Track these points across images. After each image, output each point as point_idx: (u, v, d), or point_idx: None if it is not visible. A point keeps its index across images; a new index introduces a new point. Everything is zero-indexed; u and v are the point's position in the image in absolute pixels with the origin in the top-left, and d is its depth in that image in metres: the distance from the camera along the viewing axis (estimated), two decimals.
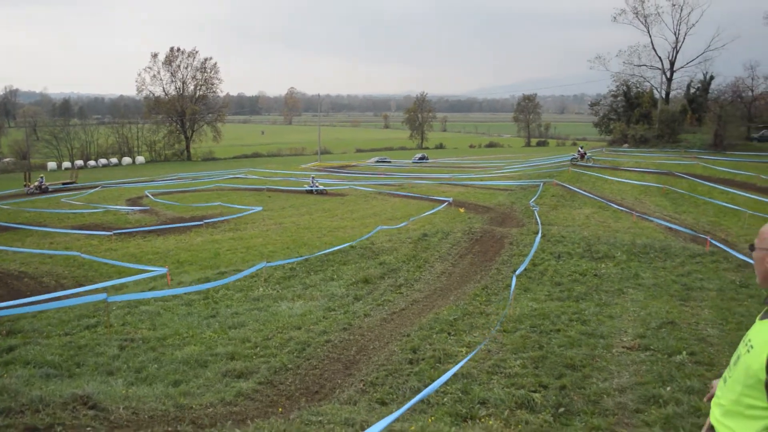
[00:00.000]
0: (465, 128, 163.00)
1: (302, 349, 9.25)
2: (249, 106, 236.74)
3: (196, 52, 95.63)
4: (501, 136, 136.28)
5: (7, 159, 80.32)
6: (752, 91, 61.97)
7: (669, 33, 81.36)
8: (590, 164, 43.84)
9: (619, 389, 7.16)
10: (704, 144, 57.04)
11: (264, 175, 53.70)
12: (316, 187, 40.36)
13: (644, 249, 17.30)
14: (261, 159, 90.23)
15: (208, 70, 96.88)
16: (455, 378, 7.27)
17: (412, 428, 5.64)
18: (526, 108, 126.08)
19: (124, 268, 17.72)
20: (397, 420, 5.19)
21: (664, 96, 68.99)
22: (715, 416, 2.64)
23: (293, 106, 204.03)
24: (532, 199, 28.33)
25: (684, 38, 67.46)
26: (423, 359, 8.49)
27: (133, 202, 37.42)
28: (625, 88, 71.28)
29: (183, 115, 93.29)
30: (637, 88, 71.06)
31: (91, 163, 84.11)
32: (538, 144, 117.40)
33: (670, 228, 22.12)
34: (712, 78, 67.02)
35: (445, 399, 6.94)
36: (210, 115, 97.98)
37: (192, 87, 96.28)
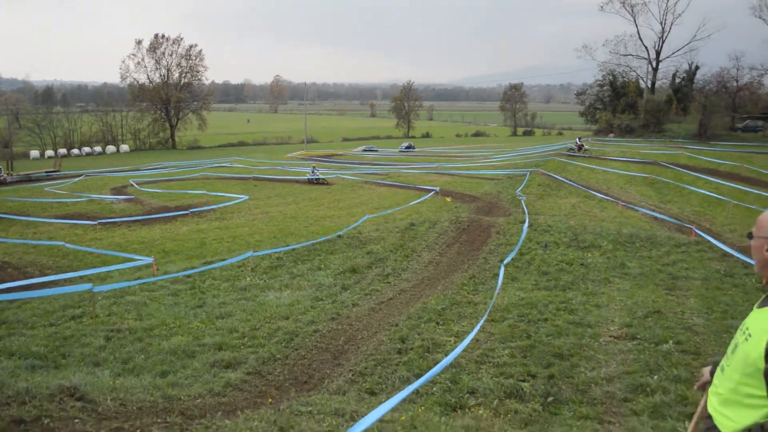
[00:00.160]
0: (451, 117, 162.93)
1: (290, 339, 9.22)
2: (234, 94, 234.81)
3: (181, 39, 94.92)
4: (487, 126, 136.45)
5: None
6: (737, 81, 62.34)
7: (655, 23, 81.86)
8: (588, 155, 43.70)
9: (607, 378, 7.22)
10: (689, 134, 57.41)
11: (250, 164, 53.43)
12: (317, 176, 40.13)
13: (630, 238, 17.40)
14: (247, 148, 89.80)
15: (193, 58, 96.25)
16: (444, 368, 7.28)
17: (402, 418, 5.65)
18: (513, 97, 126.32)
19: (110, 257, 17.56)
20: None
21: (649, 86, 69.28)
22: (713, 405, 2.64)
23: (279, 95, 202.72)
24: (519, 189, 28.39)
25: (670, 28, 67.76)
26: (412, 349, 8.50)
27: (117, 191, 37.08)
28: (611, 77, 71.48)
29: (168, 103, 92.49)
30: (623, 77, 71.28)
31: (75, 151, 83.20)
32: (525, 133, 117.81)
33: (656, 217, 22.28)
34: (697, 68, 67.43)
35: (434, 389, 6.96)
36: (195, 103, 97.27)
37: (177, 74, 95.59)
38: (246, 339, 9.24)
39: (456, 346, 7.89)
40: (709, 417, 2.66)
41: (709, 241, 16.93)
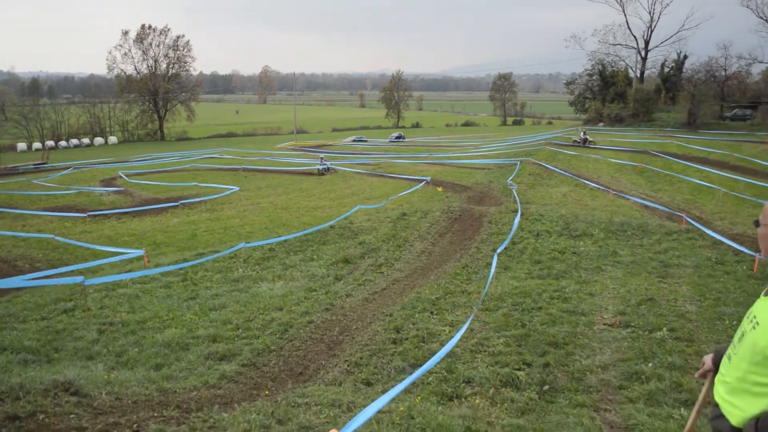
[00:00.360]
0: (441, 107, 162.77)
1: (285, 331, 9.19)
2: (223, 85, 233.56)
3: (168, 29, 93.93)
4: (477, 115, 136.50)
5: None
6: (725, 70, 62.58)
7: (644, 12, 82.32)
8: (594, 146, 43.25)
9: (602, 366, 7.24)
10: (678, 123, 57.62)
11: (240, 155, 53.18)
12: (326, 166, 39.88)
13: (621, 227, 17.48)
14: (236, 139, 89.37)
15: (181, 48, 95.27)
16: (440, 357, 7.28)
17: (401, 408, 5.64)
18: (502, 87, 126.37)
19: (100, 250, 17.43)
20: None
21: (638, 75, 69.40)
22: (720, 394, 2.63)
23: (268, 85, 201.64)
24: (510, 178, 28.41)
25: (659, 17, 67.75)
26: (406, 339, 8.48)
27: (106, 183, 36.80)
28: (600, 67, 71.52)
29: (156, 94, 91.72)
30: (612, 67, 71.33)
31: (63, 143, 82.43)
32: (514, 123, 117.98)
33: (647, 206, 22.36)
34: (685, 57, 67.62)
35: (430, 378, 6.95)
36: (183, 94, 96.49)
37: (164, 65, 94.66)
38: (240, 331, 9.20)
39: (451, 336, 7.89)
40: (716, 405, 2.65)
41: (699, 229, 17.03)
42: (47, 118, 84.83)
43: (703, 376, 3.02)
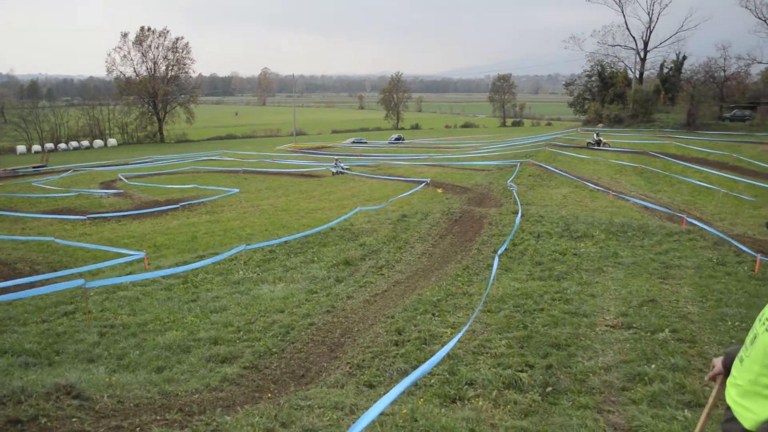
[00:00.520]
0: (440, 108, 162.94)
1: (286, 333, 9.16)
2: (222, 87, 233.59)
3: (167, 31, 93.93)
4: (476, 117, 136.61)
5: None
6: (724, 71, 62.62)
7: (643, 13, 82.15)
8: (607, 149, 42.63)
9: (605, 367, 7.23)
10: (677, 123, 57.65)
11: (239, 157, 53.16)
12: (340, 168, 39.59)
13: (622, 228, 17.46)
14: (235, 141, 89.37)
15: (180, 50, 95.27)
16: (442, 359, 7.26)
17: (404, 411, 5.62)
18: (501, 88, 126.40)
19: (100, 252, 17.41)
20: None
21: (637, 76, 69.46)
22: (732, 397, 2.61)
23: (267, 87, 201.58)
24: (510, 179, 28.40)
25: (657, 18, 67.86)
26: (408, 341, 8.47)
27: (106, 185, 36.76)
28: (599, 68, 71.58)
29: (155, 97, 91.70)
30: (611, 68, 71.40)
31: (62, 146, 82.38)
32: (513, 124, 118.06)
33: (647, 207, 22.36)
34: (684, 58, 67.67)
35: (433, 380, 6.93)
36: (183, 96, 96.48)
37: (163, 67, 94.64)
38: (241, 333, 9.18)
39: (453, 338, 7.88)
40: (728, 408, 2.63)
41: (700, 230, 17.02)
42: (46, 120, 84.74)
43: (713, 378, 3.01)
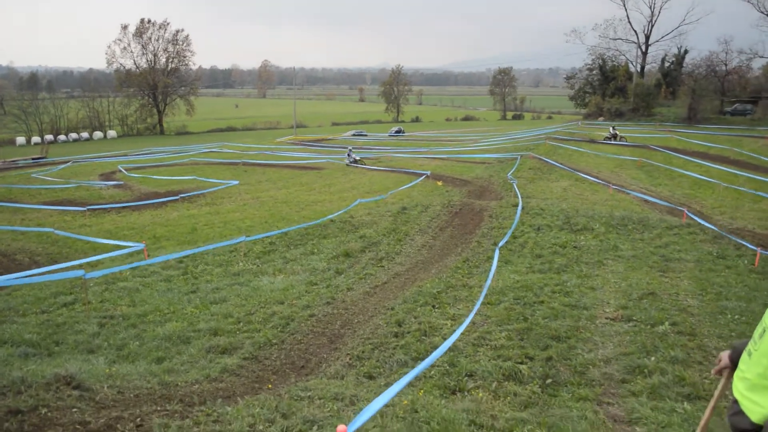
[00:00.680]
0: (441, 101, 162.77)
1: (286, 324, 9.17)
2: (222, 80, 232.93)
3: (168, 23, 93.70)
4: (477, 110, 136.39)
5: None
6: (726, 65, 62.48)
7: (644, 7, 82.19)
8: (624, 143, 42.03)
9: (605, 360, 7.23)
10: (678, 117, 57.57)
11: (239, 149, 53.08)
12: (353, 158, 39.13)
13: (622, 221, 17.45)
14: (236, 133, 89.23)
15: (180, 43, 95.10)
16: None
17: (405, 402, 5.62)
18: (502, 81, 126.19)
19: (100, 244, 17.39)
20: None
21: (639, 70, 69.31)
22: (739, 390, 2.59)
23: (267, 79, 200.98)
24: (510, 172, 28.38)
25: (659, 12, 67.66)
26: (408, 332, 8.47)
27: (106, 177, 36.68)
28: (600, 61, 71.41)
29: (155, 89, 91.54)
30: (612, 61, 71.26)
31: (62, 137, 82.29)
32: (514, 117, 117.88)
33: (647, 200, 22.35)
34: (686, 52, 67.55)
35: (433, 372, 6.93)
36: (183, 88, 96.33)
37: (164, 60, 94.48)
38: (241, 324, 9.18)
39: (453, 330, 7.88)
40: (735, 402, 2.62)
41: (700, 224, 17.02)
42: (46, 112, 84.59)
43: (719, 372, 2.99)
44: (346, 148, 45.58)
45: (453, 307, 9.80)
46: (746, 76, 63.32)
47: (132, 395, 5.69)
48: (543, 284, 10.94)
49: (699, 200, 23.39)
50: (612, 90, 67.48)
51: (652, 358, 7.13)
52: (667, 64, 69.32)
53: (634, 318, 8.75)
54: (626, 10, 71.75)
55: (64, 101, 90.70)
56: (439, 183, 27.98)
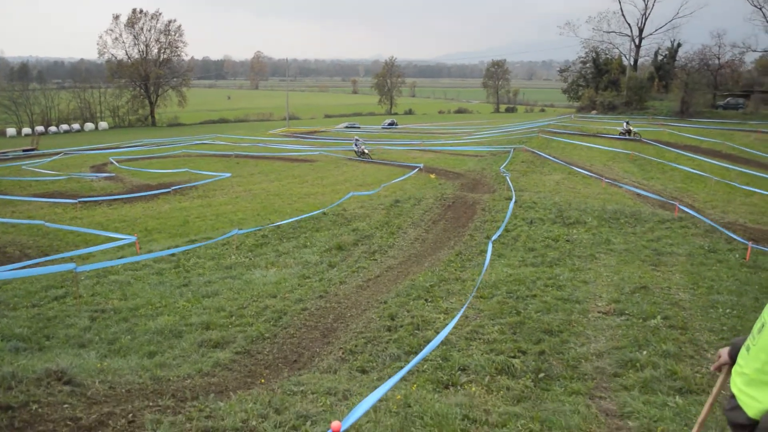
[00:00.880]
0: (434, 94, 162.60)
1: (278, 318, 9.15)
2: (214, 71, 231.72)
3: (160, 14, 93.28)
4: (470, 102, 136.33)
5: None
6: (719, 59, 62.68)
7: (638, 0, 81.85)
8: (638, 139, 41.34)
9: (597, 354, 7.24)
10: (671, 111, 57.77)
11: (232, 141, 52.85)
12: (361, 149, 38.31)
13: (614, 215, 17.50)
14: (228, 124, 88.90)
15: (172, 33, 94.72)
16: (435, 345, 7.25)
17: (398, 397, 5.61)
18: (495, 74, 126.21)
19: (91, 236, 17.30)
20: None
21: (632, 63, 69.45)
22: (737, 385, 2.60)
23: (260, 71, 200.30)
24: (503, 165, 28.39)
25: (653, 5, 67.75)
26: (401, 326, 8.46)
27: (97, 169, 36.46)
28: (594, 54, 71.47)
29: (147, 80, 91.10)
30: (605, 54, 71.33)
31: (52, 129, 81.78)
32: (507, 110, 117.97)
33: (639, 194, 22.41)
34: (679, 46, 67.77)
35: (426, 366, 6.92)
36: (175, 79, 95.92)
37: (156, 50, 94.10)
38: (233, 318, 9.15)
39: (446, 323, 7.87)
40: (732, 396, 2.62)
41: (692, 217, 17.08)
42: (37, 103, 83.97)
43: (719, 369, 2.99)
44: (351, 139, 44.84)
45: (446, 300, 9.80)
46: (739, 70, 63.63)
47: (123, 390, 5.65)
48: (536, 278, 10.95)
49: (691, 194, 23.48)
50: (605, 83, 67.59)
51: (644, 352, 7.15)
52: (660, 58, 69.53)
53: (627, 312, 8.78)
54: (620, 2, 72.07)
55: (55, 92, 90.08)
56: (432, 176, 27.98)
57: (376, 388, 4.86)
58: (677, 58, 67.56)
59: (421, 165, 30.58)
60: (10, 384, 5.15)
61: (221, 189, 27.69)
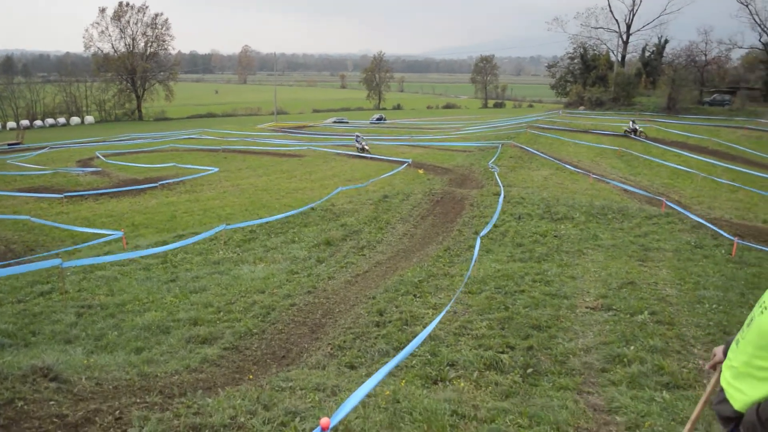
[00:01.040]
0: (422, 89, 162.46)
1: (267, 314, 9.12)
2: (202, 65, 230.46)
3: (146, 7, 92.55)
4: (458, 98, 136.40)
5: None
6: (705, 55, 63.22)
7: None
8: (644, 139, 41.07)
9: (585, 349, 7.27)
10: (658, 107, 58.13)
11: (219, 136, 52.58)
12: (362, 146, 37.54)
13: (602, 210, 17.57)
14: (215, 119, 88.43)
15: (159, 27, 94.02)
16: (423, 340, 7.25)
17: (387, 392, 5.61)
18: (484, 69, 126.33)
19: (78, 232, 17.16)
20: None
21: (620, 59, 69.77)
22: (726, 378, 2.62)
23: (248, 65, 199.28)
24: (491, 161, 28.43)
25: (641, 1, 68.07)
26: (390, 321, 8.46)
27: (83, 163, 36.17)
28: (581, 50, 71.73)
29: (133, 74, 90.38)
30: (593, 50, 71.62)
31: (38, 123, 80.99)
32: (495, 105, 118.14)
33: (626, 190, 22.52)
34: (666, 42, 68.15)
35: (414, 362, 6.93)
36: (162, 73, 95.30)
37: (142, 44, 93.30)
38: (221, 314, 9.12)
39: (434, 319, 7.87)
40: (721, 390, 2.65)
41: (679, 213, 17.19)
42: (22, 96, 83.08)
43: (713, 367, 3.01)
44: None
45: (434, 296, 9.81)
46: (725, 67, 64.17)
47: (110, 387, 5.61)
48: (524, 273, 10.98)
49: (677, 190, 23.61)
50: (593, 79, 67.88)
51: (632, 348, 7.19)
52: (647, 54, 69.89)
53: (614, 307, 8.82)
54: None
55: (40, 86, 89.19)
56: (421, 171, 27.98)
57: (364, 383, 4.85)
58: (664, 55, 68.02)
59: (410, 160, 30.57)
60: None
61: (209, 184, 27.55)
